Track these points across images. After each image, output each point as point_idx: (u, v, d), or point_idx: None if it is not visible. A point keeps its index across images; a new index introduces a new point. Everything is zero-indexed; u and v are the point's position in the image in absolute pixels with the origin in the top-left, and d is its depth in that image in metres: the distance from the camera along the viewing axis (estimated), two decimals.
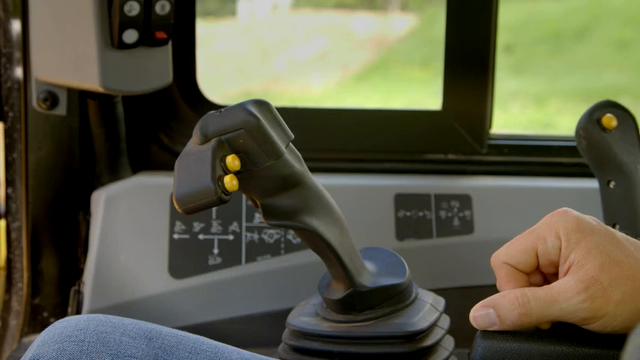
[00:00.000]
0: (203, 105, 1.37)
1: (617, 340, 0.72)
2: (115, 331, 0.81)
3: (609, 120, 1.04)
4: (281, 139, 0.84)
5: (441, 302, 0.98)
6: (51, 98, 1.20)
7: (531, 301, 0.72)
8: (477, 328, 0.75)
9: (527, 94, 5.16)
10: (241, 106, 0.82)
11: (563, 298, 0.71)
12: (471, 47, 1.36)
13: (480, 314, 0.75)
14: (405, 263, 0.96)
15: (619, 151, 1.04)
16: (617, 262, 0.71)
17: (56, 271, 1.32)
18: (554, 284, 0.73)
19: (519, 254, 0.76)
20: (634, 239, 0.74)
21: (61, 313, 1.31)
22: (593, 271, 0.71)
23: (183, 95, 1.37)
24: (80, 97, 1.28)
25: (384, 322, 0.92)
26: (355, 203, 1.29)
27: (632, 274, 0.71)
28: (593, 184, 1.18)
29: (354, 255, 0.92)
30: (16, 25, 1.24)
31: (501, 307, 0.73)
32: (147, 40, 1.15)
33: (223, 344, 0.88)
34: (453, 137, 1.38)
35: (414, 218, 1.30)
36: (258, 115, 0.82)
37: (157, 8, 1.14)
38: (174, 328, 0.88)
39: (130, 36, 1.13)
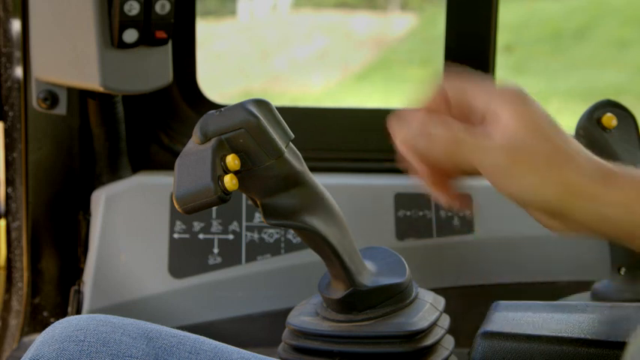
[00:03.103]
0: (203, 105, 1.37)
1: (618, 340, 0.71)
2: (115, 331, 0.81)
3: (609, 119, 1.04)
4: (281, 138, 0.84)
5: (441, 302, 0.98)
6: (51, 98, 1.20)
7: (461, 142, 0.69)
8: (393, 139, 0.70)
9: None
10: (241, 106, 0.82)
11: (488, 147, 0.68)
12: (471, 47, 1.36)
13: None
14: (405, 263, 0.96)
15: (619, 150, 1.04)
16: (546, 138, 0.68)
17: (56, 271, 1.32)
18: (480, 132, 0.69)
19: (455, 90, 0.72)
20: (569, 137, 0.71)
21: (61, 313, 1.31)
22: (521, 134, 0.68)
23: (183, 95, 1.37)
24: (80, 96, 1.28)
25: (384, 321, 0.92)
26: (355, 203, 1.29)
27: (549, 155, 0.68)
28: None
29: (354, 254, 0.92)
30: (16, 25, 1.24)
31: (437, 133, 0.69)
32: (147, 40, 1.15)
33: (223, 344, 0.87)
34: None
35: (414, 218, 1.30)
36: (258, 115, 0.82)
37: (157, 8, 1.14)
38: (174, 328, 0.88)
39: (130, 35, 1.13)
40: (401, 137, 0.70)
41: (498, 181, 0.69)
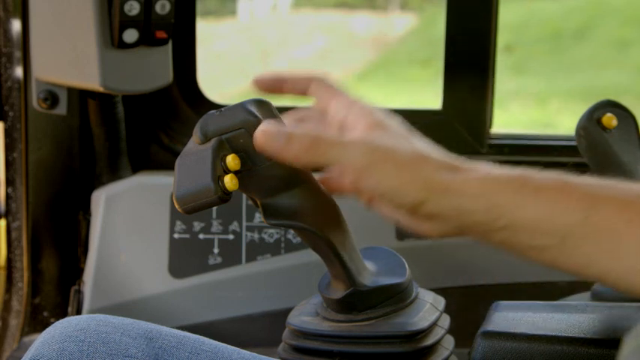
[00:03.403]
0: (203, 104, 1.37)
1: (617, 340, 0.71)
2: (115, 331, 0.81)
3: (609, 119, 1.04)
4: None
5: (441, 302, 0.98)
6: (51, 98, 1.20)
7: (320, 138, 0.71)
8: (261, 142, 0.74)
9: (527, 94, 5.17)
10: (241, 106, 0.82)
11: (347, 142, 0.71)
12: (470, 47, 1.36)
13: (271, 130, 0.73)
14: (405, 263, 0.96)
15: (619, 150, 1.04)
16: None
17: (56, 271, 1.32)
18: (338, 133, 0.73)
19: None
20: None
21: (62, 313, 1.31)
22: (378, 136, 0.72)
23: (184, 95, 1.37)
24: (80, 96, 1.28)
25: (385, 321, 0.92)
26: (355, 203, 1.29)
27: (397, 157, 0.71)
28: None
29: (354, 254, 0.92)
30: (16, 25, 1.24)
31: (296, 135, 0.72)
32: (147, 40, 1.15)
33: (223, 344, 0.88)
34: (453, 137, 1.37)
35: None
36: (259, 115, 0.82)
37: (157, 8, 1.14)
38: (174, 328, 0.88)
39: (131, 35, 1.13)
40: (262, 139, 0.74)
41: (359, 180, 0.72)
